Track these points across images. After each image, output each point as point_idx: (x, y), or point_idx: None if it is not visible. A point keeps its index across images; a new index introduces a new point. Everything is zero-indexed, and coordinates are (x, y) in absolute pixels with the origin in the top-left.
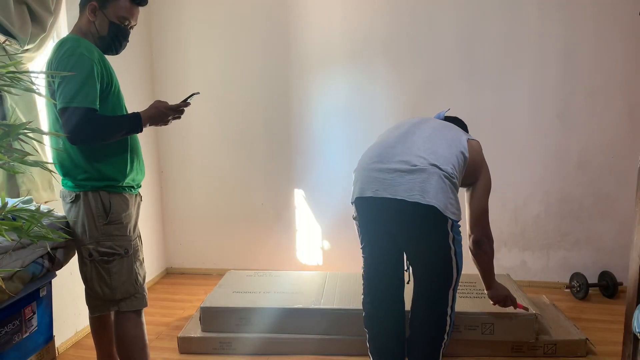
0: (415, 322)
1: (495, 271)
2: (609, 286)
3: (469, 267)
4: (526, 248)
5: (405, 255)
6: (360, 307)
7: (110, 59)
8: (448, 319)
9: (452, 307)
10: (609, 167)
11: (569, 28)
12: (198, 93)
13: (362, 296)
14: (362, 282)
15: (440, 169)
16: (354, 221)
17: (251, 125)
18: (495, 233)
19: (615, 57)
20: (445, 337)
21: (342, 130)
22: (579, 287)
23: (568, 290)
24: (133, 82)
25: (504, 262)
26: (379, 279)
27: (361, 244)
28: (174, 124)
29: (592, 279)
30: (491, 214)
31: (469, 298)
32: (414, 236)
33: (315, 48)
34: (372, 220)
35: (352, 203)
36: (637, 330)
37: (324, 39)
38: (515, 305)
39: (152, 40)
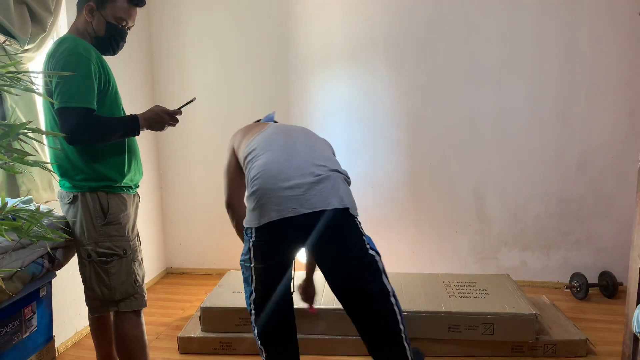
0: (365, 322)
1: (496, 271)
2: (609, 286)
3: (469, 267)
4: (526, 248)
5: (322, 266)
6: None
7: (111, 59)
8: (393, 299)
9: (393, 292)
10: (609, 167)
11: (569, 28)
12: (195, 99)
13: (256, 317)
14: (256, 300)
15: (339, 172)
16: (251, 249)
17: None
18: (495, 233)
19: (615, 57)
20: (399, 319)
21: (343, 130)
22: (579, 287)
23: (568, 290)
24: (133, 83)
25: (504, 262)
26: (279, 299)
27: (255, 269)
28: None
29: (592, 279)
30: (491, 214)
31: (469, 298)
32: (336, 242)
33: (316, 48)
34: (282, 242)
35: (254, 229)
36: (637, 330)
37: (325, 39)
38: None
39: (152, 41)
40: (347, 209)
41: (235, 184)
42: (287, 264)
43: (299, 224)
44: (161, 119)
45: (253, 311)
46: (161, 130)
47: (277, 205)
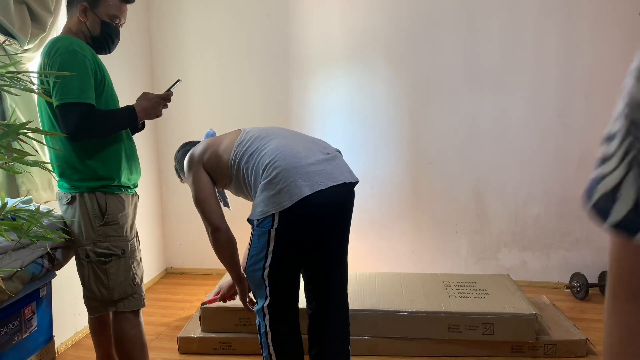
0: (333, 312)
1: (495, 271)
2: None
3: (469, 267)
4: (526, 248)
5: (328, 245)
6: (360, 306)
7: (110, 58)
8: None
9: None
10: None
11: (569, 28)
12: (180, 80)
13: (271, 322)
14: (271, 303)
15: (339, 152)
16: (270, 241)
17: (251, 125)
18: (495, 233)
19: (615, 57)
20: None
21: (342, 130)
22: (579, 287)
23: (568, 290)
24: (133, 81)
25: (504, 262)
26: (295, 298)
27: (272, 268)
28: (173, 124)
29: (592, 279)
30: (491, 214)
31: (469, 298)
32: (348, 213)
33: (316, 47)
34: (312, 220)
35: (278, 214)
36: None
37: (324, 38)
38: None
39: (151, 41)
40: (357, 182)
41: (219, 204)
42: (309, 251)
43: (327, 198)
44: (156, 103)
45: (267, 316)
46: (156, 115)
47: (307, 180)
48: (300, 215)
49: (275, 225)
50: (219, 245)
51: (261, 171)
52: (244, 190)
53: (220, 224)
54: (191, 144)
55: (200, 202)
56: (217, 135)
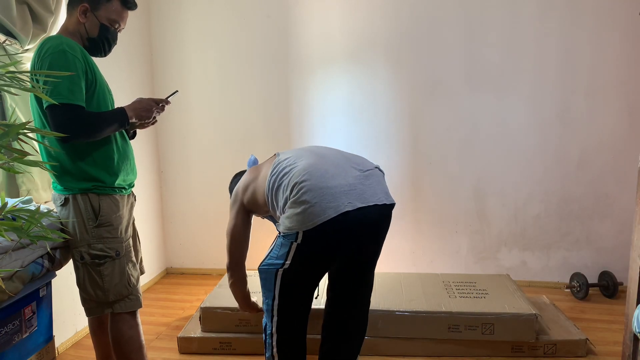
0: (351, 322)
1: (495, 271)
2: (609, 286)
3: (469, 267)
4: (526, 248)
5: (356, 262)
6: None
7: (111, 58)
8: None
9: None
10: (609, 167)
11: (569, 28)
12: (177, 92)
13: (278, 324)
14: (280, 306)
15: (379, 169)
16: (290, 252)
17: (251, 125)
18: (495, 233)
19: (615, 57)
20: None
21: (342, 130)
22: (579, 287)
23: (568, 290)
24: (133, 82)
25: (504, 262)
26: (307, 305)
27: (287, 272)
28: (173, 124)
29: (592, 279)
30: (491, 214)
31: (469, 298)
32: (377, 236)
33: (316, 47)
34: (336, 239)
35: (303, 232)
36: (637, 330)
37: (324, 38)
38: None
39: (152, 41)
40: (393, 204)
41: (242, 248)
42: (328, 266)
43: (354, 220)
44: (149, 106)
45: (275, 318)
46: (149, 118)
47: (333, 201)
48: (324, 236)
49: (299, 241)
50: (229, 277)
51: (289, 191)
52: (277, 214)
53: (233, 266)
54: (241, 174)
55: (229, 239)
56: (258, 162)
